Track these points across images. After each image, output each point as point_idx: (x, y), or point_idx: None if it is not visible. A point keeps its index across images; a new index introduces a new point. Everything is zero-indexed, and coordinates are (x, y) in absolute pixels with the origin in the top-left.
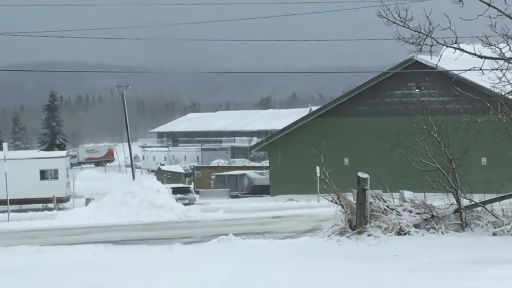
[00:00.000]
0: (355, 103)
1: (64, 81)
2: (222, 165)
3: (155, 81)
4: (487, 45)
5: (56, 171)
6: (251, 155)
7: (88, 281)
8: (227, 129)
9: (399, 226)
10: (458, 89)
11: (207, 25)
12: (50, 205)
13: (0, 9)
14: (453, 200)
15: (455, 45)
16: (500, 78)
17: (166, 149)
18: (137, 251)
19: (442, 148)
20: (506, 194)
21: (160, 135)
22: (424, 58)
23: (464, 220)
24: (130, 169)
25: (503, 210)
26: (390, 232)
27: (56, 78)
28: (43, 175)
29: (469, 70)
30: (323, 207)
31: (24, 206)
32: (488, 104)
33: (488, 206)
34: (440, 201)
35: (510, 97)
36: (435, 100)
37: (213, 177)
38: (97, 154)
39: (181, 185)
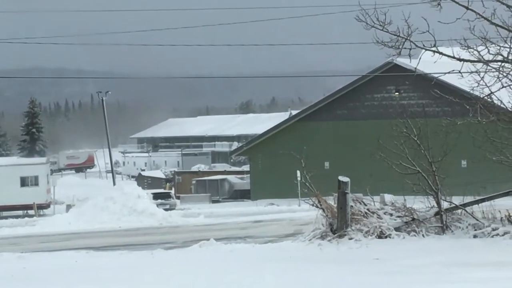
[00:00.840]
0: (335, 107)
1: (44, 87)
2: (203, 170)
3: (135, 86)
4: (466, 48)
5: (36, 177)
6: (231, 160)
7: (69, 287)
8: (207, 134)
9: (380, 230)
10: (438, 92)
11: (186, 31)
12: (31, 212)
13: None
14: (434, 203)
15: (434, 48)
16: (478, 82)
17: (146, 154)
18: (118, 257)
19: (422, 151)
20: (486, 196)
21: (141, 140)
22: (403, 61)
23: (444, 222)
24: (110, 175)
25: (483, 212)
26: (371, 236)
27: (36, 84)
28: (24, 181)
29: (448, 73)
30: (304, 211)
31: (4, 213)
32: (468, 107)
33: (468, 209)
34: (421, 204)
35: (488, 100)
36: (414, 103)
37: (193, 182)
38: (78, 160)
39: (162, 190)
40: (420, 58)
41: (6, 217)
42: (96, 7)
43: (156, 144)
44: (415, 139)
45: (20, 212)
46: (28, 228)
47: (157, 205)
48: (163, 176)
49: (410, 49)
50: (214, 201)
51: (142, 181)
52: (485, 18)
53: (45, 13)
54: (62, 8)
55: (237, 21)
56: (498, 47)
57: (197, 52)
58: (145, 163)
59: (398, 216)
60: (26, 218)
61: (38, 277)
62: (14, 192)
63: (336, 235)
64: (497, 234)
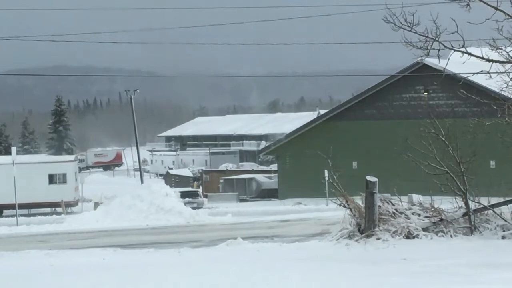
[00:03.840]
0: (364, 106)
1: (72, 86)
2: (231, 169)
3: (163, 85)
4: (495, 49)
5: (64, 175)
6: (259, 159)
7: (97, 284)
8: (235, 133)
9: (407, 230)
10: (466, 92)
11: (214, 29)
12: (59, 209)
13: (7, 14)
14: (462, 204)
15: (462, 49)
16: (507, 82)
17: (174, 153)
18: (145, 255)
19: (450, 152)
20: None
21: (169, 139)
22: (432, 61)
23: (472, 223)
24: (138, 173)
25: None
26: (398, 236)
27: (65, 82)
28: (52, 179)
29: (477, 73)
30: (331, 211)
31: (33, 210)
32: (496, 107)
33: (497, 209)
34: (449, 205)
35: None
36: (443, 103)
37: (221, 181)
38: (106, 158)
39: (189, 189)
40: (448, 59)
41: (34, 214)
42: (123, 5)
43: (184, 142)
44: (443, 139)
45: (48, 210)
46: (56, 226)
47: (185, 203)
48: (191, 175)
49: (439, 49)
50: (241, 200)
51: (170, 179)
52: None
53: (73, 11)
54: (91, 6)
55: (264, 19)
56: None
57: (225, 50)
58: (173, 162)
59: (426, 217)
60: (54, 216)
61: (65, 274)
62: (42, 189)
63: (363, 235)
64: None
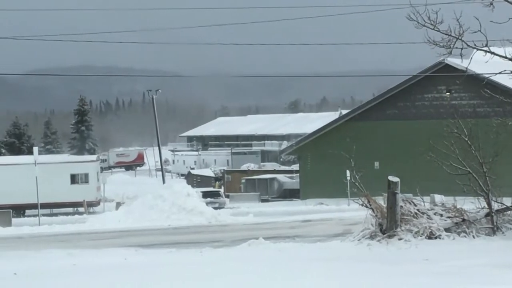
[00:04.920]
0: (385, 106)
1: (94, 86)
2: (252, 169)
3: (185, 85)
4: None
5: (86, 175)
6: (281, 159)
7: (118, 284)
8: (257, 133)
9: (429, 230)
10: (489, 92)
11: (235, 28)
12: (81, 209)
13: (29, 14)
14: (484, 204)
15: (485, 48)
16: None
17: (196, 153)
18: (167, 255)
19: (473, 152)
20: None
21: (190, 139)
22: (454, 61)
23: (495, 224)
24: (160, 173)
25: None
26: (420, 236)
27: (86, 82)
28: (74, 179)
29: (500, 73)
30: (353, 211)
31: (55, 210)
32: None
33: None
34: (471, 205)
35: None
36: (465, 103)
37: (243, 181)
38: (127, 158)
39: (211, 189)
40: (471, 58)
41: (56, 214)
42: (146, 6)
43: (205, 142)
44: (466, 139)
45: (70, 210)
46: (78, 226)
47: (207, 203)
48: (213, 175)
49: (462, 48)
50: (263, 200)
51: (192, 179)
52: None
53: (94, 12)
54: (112, 6)
55: (287, 18)
56: None
57: (246, 50)
58: (195, 162)
59: (448, 217)
60: (76, 216)
61: (87, 273)
62: (64, 189)
63: (385, 235)
64: None
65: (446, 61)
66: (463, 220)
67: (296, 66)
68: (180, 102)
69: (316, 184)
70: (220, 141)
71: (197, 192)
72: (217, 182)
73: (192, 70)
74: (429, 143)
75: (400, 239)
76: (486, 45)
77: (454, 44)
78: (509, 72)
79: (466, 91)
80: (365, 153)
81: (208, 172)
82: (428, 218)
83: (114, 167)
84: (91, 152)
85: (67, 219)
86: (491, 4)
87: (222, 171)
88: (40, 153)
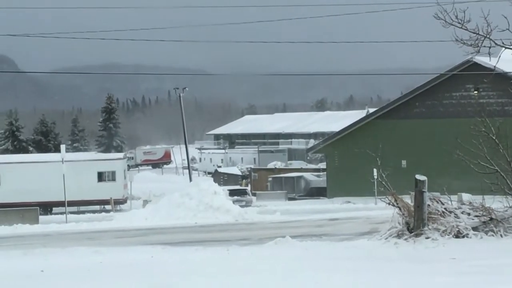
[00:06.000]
0: (413, 105)
1: (121, 84)
2: (279, 167)
3: (211, 83)
4: None
5: (113, 173)
6: (308, 157)
7: (145, 282)
8: (284, 131)
9: (457, 229)
10: None
11: (262, 26)
12: (108, 207)
13: (54, 12)
14: None
15: None
16: None
17: (223, 151)
18: (194, 253)
19: (501, 151)
20: None
21: (217, 137)
22: (482, 59)
23: None
24: (187, 171)
25: None
26: (448, 235)
27: (113, 80)
28: (101, 177)
29: None
30: (380, 210)
31: (82, 208)
32: None
33: None
34: (499, 204)
35: None
36: (493, 102)
37: (270, 179)
38: (154, 156)
39: (238, 187)
40: (499, 56)
41: (83, 212)
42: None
43: (232, 140)
44: (494, 138)
45: (97, 207)
46: (105, 223)
47: (233, 201)
48: (239, 173)
49: (490, 47)
50: (290, 199)
51: (219, 177)
52: None
53: (120, 9)
54: (138, 4)
55: (313, 15)
56: None
57: (274, 48)
58: (222, 160)
59: (476, 216)
60: (103, 213)
61: (114, 271)
62: (91, 187)
63: (412, 234)
64: None
65: (474, 60)
66: (491, 219)
67: (323, 64)
68: (207, 100)
69: (343, 183)
70: (247, 139)
71: (224, 190)
72: (244, 180)
73: (220, 68)
74: (457, 141)
75: (427, 238)
76: None
77: (482, 43)
78: None
79: (494, 89)
80: (392, 151)
81: (235, 170)
82: (455, 217)
83: (141, 165)
84: (118, 150)
85: (94, 217)
86: None
87: (249, 169)
88: (67, 151)
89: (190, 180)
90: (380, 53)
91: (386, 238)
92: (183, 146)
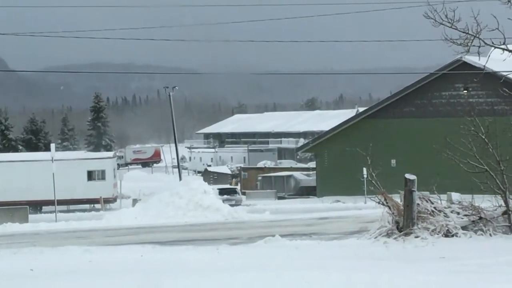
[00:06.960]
0: (403, 104)
1: (111, 83)
2: (269, 166)
3: (201, 82)
4: None
5: (103, 172)
6: (297, 156)
7: (135, 281)
8: (273, 130)
9: (446, 228)
10: (507, 90)
11: (252, 26)
12: (97, 206)
13: (44, 11)
14: (501, 202)
15: (503, 46)
16: None
17: (212, 150)
18: (184, 252)
19: (490, 150)
20: None
21: (207, 136)
22: (472, 59)
23: None
24: (177, 170)
25: None
26: (437, 234)
27: (103, 79)
28: (90, 176)
29: None
30: (370, 209)
31: (72, 207)
32: None
33: None
34: (488, 203)
35: None
36: (483, 101)
37: (259, 178)
38: (144, 155)
39: (227, 186)
40: (489, 56)
41: (73, 211)
42: (161, 3)
43: (222, 139)
44: (483, 137)
45: (86, 206)
46: (94, 222)
47: (223, 200)
48: (229, 172)
49: (479, 46)
50: (279, 198)
51: (208, 176)
52: None
53: (112, 8)
54: (127, 3)
55: (305, 15)
56: None
57: (263, 48)
58: (211, 159)
59: (465, 215)
60: (93, 212)
61: (103, 270)
62: (81, 186)
63: (402, 233)
64: None
65: (463, 59)
66: (480, 218)
67: (313, 63)
68: (197, 99)
69: (332, 182)
70: (237, 138)
71: (213, 189)
72: (233, 179)
73: (210, 67)
74: (446, 140)
75: (416, 237)
76: (504, 43)
77: (471, 42)
78: None
79: (484, 89)
80: (382, 150)
81: (224, 169)
82: (445, 216)
83: (130, 163)
84: (108, 149)
85: (84, 216)
86: (509, 1)
87: (239, 168)
88: (57, 149)
89: (180, 179)
90: (370, 53)
91: (376, 237)
92: (173, 145)
